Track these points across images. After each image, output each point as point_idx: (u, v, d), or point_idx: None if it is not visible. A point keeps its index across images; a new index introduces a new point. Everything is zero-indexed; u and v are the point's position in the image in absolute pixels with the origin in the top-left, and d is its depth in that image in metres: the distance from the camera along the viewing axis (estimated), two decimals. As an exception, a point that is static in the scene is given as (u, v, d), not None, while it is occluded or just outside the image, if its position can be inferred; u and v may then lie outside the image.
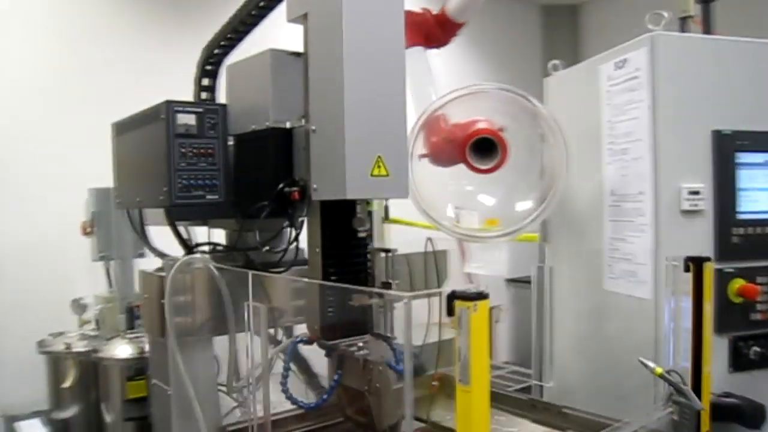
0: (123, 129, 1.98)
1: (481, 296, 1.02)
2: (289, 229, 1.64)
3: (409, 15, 2.42)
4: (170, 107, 1.66)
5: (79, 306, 2.96)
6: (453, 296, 1.06)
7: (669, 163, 1.90)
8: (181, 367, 1.65)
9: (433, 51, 2.44)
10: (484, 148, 1.99)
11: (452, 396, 1.17)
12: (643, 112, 1.93)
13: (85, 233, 3.06)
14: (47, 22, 3.76)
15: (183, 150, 1.67)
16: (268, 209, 1.58)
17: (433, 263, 2.15)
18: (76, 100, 3.74)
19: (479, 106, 2.16)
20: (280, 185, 1.58)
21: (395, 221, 2.54)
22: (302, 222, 1.65)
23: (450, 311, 1.08)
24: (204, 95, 2.07)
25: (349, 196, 1.42)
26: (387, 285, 1.71)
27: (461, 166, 2.02)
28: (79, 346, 2.60)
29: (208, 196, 1.72)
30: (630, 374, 1.80)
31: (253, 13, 1.81)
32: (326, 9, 1.46)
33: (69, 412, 2.60)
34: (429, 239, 2.23)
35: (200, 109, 1.71)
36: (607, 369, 2.09)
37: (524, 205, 2.08)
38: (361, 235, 1.58)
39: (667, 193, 1.89)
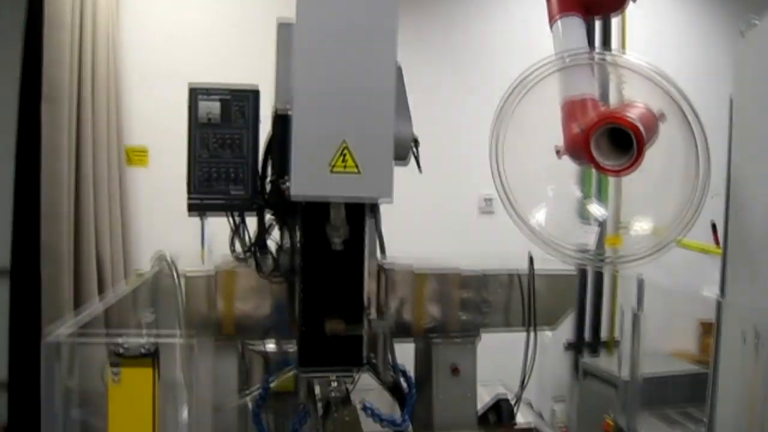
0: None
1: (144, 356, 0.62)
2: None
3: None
4: (193, 93, 1.54)
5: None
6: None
7: None
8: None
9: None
10: (621, 142, 1.44)
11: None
12: None
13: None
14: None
15: (205, 140, 1.55)
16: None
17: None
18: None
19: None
20: (274, 178, 1.36)
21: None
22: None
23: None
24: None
25: (295, 195, 1.12)
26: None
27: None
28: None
29: (233, 191, 1.57)
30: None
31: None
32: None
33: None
34: (530, 256, 1.76)
35: (227, 96, 1.57)
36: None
37: (641, 226, 1.45)
38: (337, 246, 1.23)
39: None
